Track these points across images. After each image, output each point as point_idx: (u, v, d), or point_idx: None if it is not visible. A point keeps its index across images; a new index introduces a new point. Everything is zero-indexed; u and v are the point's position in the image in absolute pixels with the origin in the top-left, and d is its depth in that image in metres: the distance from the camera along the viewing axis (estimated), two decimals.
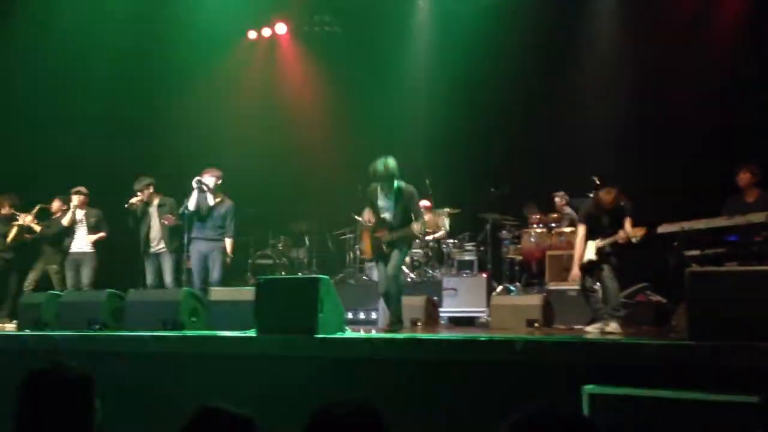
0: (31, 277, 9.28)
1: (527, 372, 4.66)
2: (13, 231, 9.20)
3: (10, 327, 8.44)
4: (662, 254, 7.51)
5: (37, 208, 9.35)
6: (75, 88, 10.87)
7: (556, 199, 9.67)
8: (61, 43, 10.69)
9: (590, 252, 6.54)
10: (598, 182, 6.64)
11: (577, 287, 8.02)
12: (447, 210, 10.15)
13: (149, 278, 8.68)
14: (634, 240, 6.30)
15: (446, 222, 10.15)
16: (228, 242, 8.46)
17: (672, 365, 4.36)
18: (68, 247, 9.08)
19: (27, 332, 6.87)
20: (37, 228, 9.28)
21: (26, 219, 9.24)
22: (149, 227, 8.70)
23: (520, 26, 10.67)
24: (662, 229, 7.29)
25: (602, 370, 4.38)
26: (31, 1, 10.82)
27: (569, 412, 1.54)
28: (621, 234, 6.34)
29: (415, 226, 6.53)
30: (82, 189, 9.14)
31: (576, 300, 8.01)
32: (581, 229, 6.70)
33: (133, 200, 8.71)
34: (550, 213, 9.62)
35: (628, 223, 6.38)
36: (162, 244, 8.66)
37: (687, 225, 7.21)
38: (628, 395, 4.04)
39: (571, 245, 8.98)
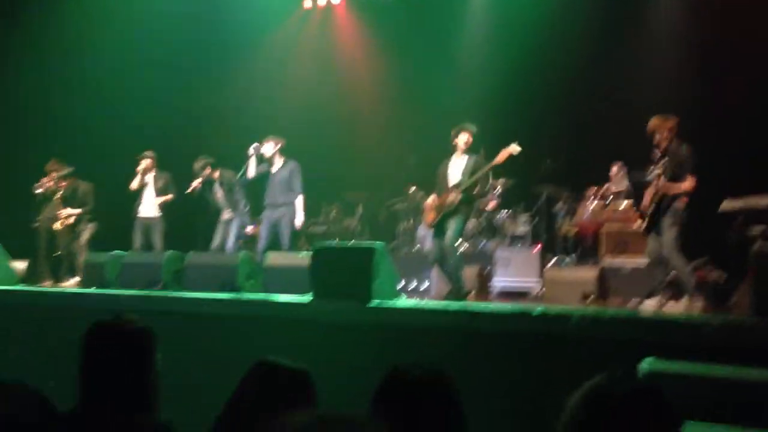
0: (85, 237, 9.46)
1: (582, 346, 4.63)
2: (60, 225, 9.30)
3: (72, 283, 8.73)
4: (721, 231, 7.33)
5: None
6: (138, 60, 11.06)
7: (614, 168, 9.47)
8: (127, 14, 10.86)
9: None
10: None
11: (633, 262, 7.96)
12: (502, 180, 10.06)
13: (216, 241, 8.86)
14: None
15: (497, 192, 10.07)
16: (299, 199, 8.44)
17: (734, 342, 4.28)
18: (135, 210, 9.20)
19: (92, 290, 7.09)
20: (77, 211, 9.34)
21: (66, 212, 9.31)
22: (216, 202, 8.94)
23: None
24: (725, 205, 7.11)
25: (660, 346, 4.33)
26: None
27: (644, 383, 1.53)
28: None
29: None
30: (149, 153, 9.25)
31: (632, 275, 7.91)
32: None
33: (194, 184, 8.91)
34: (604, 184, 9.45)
35: None
36: (231, 214, 8.87)
37: (751, 201, 7.02)
38: (687, 372, 3.98)
39: (627, 219, 8.90)
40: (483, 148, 9.77)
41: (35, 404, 2.25)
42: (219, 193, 8.98)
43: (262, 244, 8.23)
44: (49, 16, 10.82)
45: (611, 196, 9.23)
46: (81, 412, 2.41)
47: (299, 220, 8.42)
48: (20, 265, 8.31)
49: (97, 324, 2.56)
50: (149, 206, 9.19)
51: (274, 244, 8.25)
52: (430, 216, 7.31)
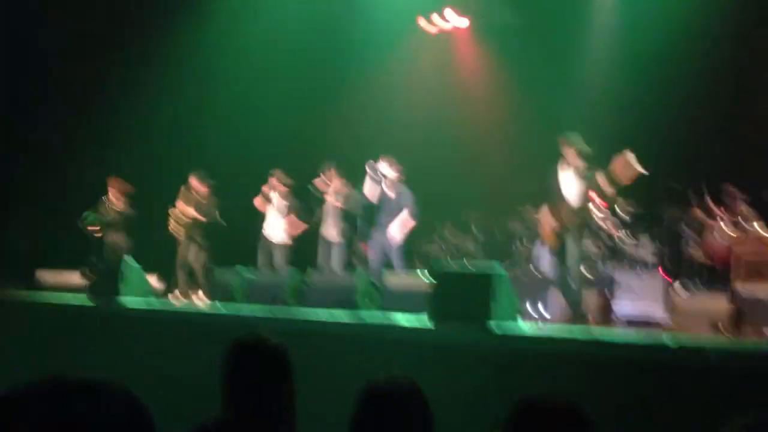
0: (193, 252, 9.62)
1: (719, 380, 4.39)
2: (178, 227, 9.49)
3: (201, 299, 9.11)
4: None
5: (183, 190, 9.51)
6: (262, 78, 11.50)
7: (730, 190, 8.98)
8: (253, 36, 11.32)
9: None
10: None
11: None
12: (623, 200, 9.73)
13: (320, 259, 8.90)
14: None
15: (617, 216, 9.75)
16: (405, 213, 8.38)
17: None
18: (261, 229, 9.36)
19: (218, 304, 7.39)
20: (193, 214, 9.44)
21: (185, 212, 9.47)
22: (326, 214, 9.00)
23: (711, 16, 9.98)
24: None
25: None
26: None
27: None
28: None
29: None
30: (276, 172, 9.29)
31: (766, 306, 7.45)
32: None
33: (317, 181, 8.89)
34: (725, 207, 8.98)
35: None
36: (333, 231, 8.92)
37: None
38: None
39: (760, 244, 8.40)
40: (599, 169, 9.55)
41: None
42: (330, 206, 8.95)
43: (376, 265, 8.26)
44: (185, 45, 11.42)
45: (740, 219, 8.75)
46: (228, 425, 2.51)
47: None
48: (153, 279, 8.77)
49: (239, 341, 2.67)
50: (274, 227, 9.30)
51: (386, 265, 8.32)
52: (549, 237, 7.12)
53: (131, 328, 7.20)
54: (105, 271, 7.91)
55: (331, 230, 8.93)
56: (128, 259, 7.98)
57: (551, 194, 7.05)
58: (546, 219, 7.09)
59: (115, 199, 9.68)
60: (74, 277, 9.36)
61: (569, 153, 6.91)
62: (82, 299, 7.95)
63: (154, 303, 7.51)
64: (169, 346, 6.65)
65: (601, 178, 6.79)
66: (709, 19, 10.06)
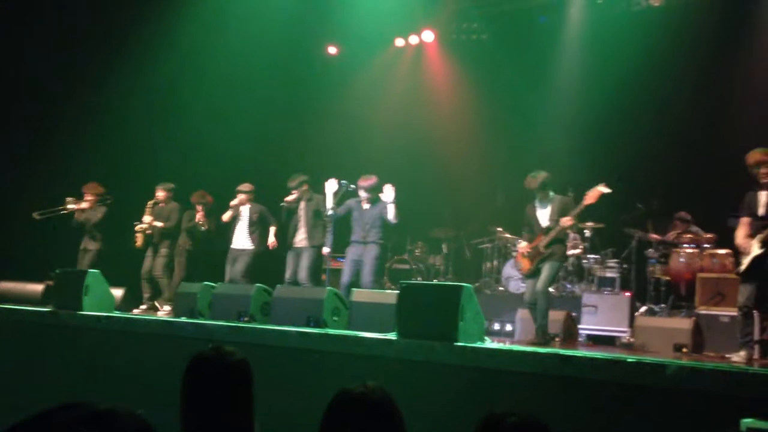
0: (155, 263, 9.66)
1: (678, 399, 4.44)
2: (139, 238, 9.59)
3: (164, 312, 9.03)
4: None
5: (149, 204, 9.64)
6: (232, 90, 11.47)
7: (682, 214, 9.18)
8: (225, 46, 11.29)
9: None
10: None
11: (730, 313, 7.62)
12: (590, 224, 9.86)
13: (288, 273, 8.84)
14: None
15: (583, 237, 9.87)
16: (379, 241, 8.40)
17: None
18: (228, 242, 9.35)
19: (183, 320, 7.31)
20: (159, 224, 9.58)
21: (146, 220, 9.59)
22: (297, 223, 8.94)
23: (676, 33, 10.23)
24: None
25: (763, 403, 4.11)
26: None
27: None
28: None
29: (564, 220, 6.90)
30: (245, 186, 9.32)
31: (729, 327, 7.57)
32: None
33: (289, 198, 8.88)
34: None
35: None
36: (306, 240, 8.86)
37: None
38: None
39: (725, 268, 8.54)
40: (570, 189, 9.69)
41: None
42: (302, 215, 8.93)
43: (346, 279, 8.27)
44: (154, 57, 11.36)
45: (706, 243, 8.90)
46: None
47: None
48: (118, 292, 8.66)
49: (199, 356, 2.64)
50: (241, 238, 9.34)
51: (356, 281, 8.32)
52: (524, 264, 7.33)
53: (93, 341, 7.09)
54: (68, 283, 7.78)
55: (301, 243, 8.91)
56: (92, 272, 7.87)
57: (526, 222, 7.36)
58: (523, 250, 7.35)
59: (89, 205, 9.66)
60: (36, 289, 9.20)
61: (540, 188, 7.23)
62: (43, 311, 7.81)
63: (117, 316, 7.40)
64: (131, 360, 6.56)
65: (574, 208, 7.11)
66: (673, 49, 10.30)
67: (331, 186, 8.44)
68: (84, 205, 9.66)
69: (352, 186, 8.49)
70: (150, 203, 9.61)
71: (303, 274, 8.71)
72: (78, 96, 10.87)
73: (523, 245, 7.42)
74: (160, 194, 9.68)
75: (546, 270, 6.98)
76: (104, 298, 7.82)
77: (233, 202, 9.28)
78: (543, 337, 6.94)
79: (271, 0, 11.33)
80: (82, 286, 7.57)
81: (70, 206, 9.64)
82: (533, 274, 7.17)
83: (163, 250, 9.54)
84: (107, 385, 6.26)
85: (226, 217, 9.33)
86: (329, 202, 8.44)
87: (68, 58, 10.85)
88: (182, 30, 11.08)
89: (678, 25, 10.36)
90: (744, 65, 10.11)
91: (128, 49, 10.72)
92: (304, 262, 8.76)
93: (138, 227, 9.61)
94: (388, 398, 2.32)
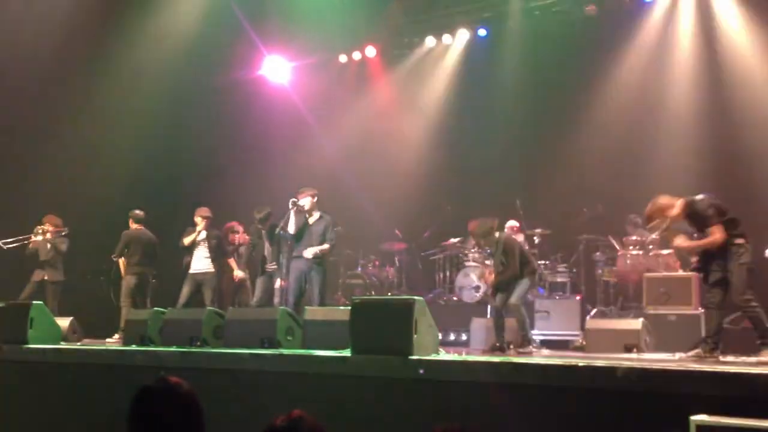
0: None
1: (630, 400, 4.52)
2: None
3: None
4: None
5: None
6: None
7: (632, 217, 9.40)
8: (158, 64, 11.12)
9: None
10: None
11: (677, 312, 7.82)
12: (539, 230, 10.00)
13: (257, 295, 8.90)
14: None
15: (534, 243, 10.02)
16: (324, 247, 8.42)
17: None
18: (186, 266, 9.30)
19: (134, 347, 7.15)
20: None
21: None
22: (265, 249, 8.98)
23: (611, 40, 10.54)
24: None
25: (711, 399, 4.21)
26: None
27: None
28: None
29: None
30: (205, 211, 9.32)
31: (676, 325, 7.76)
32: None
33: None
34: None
35: None
36: (275, 264, 8.85)
37: None
38: (740, 427, 3.86)
39: (669, 267, 8.76)
40: (517, 200, 9.84)
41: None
42: (267, 245, 8.96)
43: (292, 297, 8.23)
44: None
45: (651, 245, 9.10)
46: None
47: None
48: (63, 323, 8.42)
49: (145, 389, 2.58)
50: (201, 262, 9.27)
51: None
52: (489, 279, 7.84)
53: (39, 375, 6.88)
54: (12, 316, 7.55)
55: (269, 265, 8.90)
56: (36, 304, 7.65)
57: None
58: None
59: (49, 236, 9.57)
60: None
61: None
62: None
63: (65, 348, 7.20)
64: (78, 392, 6.38)
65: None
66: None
67: (290, 206, 8.42)
68: (49, 235, 9.58)
69: (299, 204, 8.45)
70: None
71: (277, 298, 8.71)
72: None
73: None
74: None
75: (519, 286, 7.38)
76: (50, 330, 7.61)
77: (197, 227, 9.28)
78: (528, 343, 7.31)
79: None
80: (26, 319, 7.36)
81: (38, 237, 9.51)
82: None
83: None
84: (53, 418, 6.08)
85: (187, 241, 9.29)
86: (291, 226, 8.43)
87: None
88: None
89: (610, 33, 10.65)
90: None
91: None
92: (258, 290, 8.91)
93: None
94: (316, 428, 2.29)
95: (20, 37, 10.45)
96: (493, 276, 7.77)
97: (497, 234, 7.67)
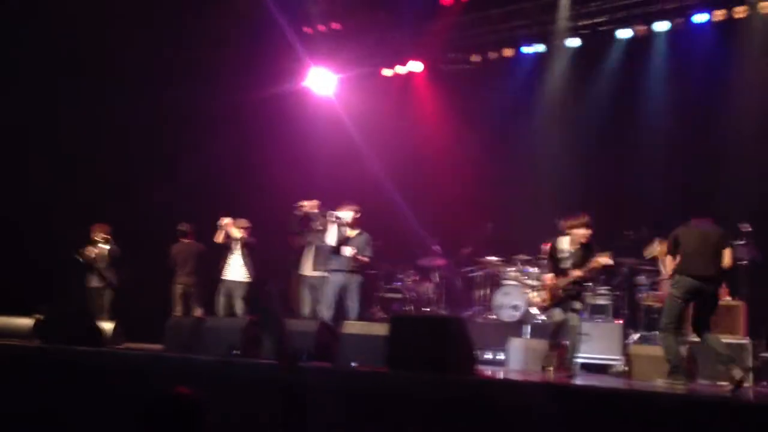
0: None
1: (676, 428, 4.41)
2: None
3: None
4: None
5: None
6: None
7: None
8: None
9: None
10: None
11: (724, 340, 7.62)
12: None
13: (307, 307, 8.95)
14: None
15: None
16: (363, 258, 8.47)
17: None
18: (220, 273, 9.39)
19: (171, 354, 7.22)
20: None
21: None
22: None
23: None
24: None
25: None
26: None
27: None
28: None
29: (600, 259, 7.07)
30: (243, 221, 9.42)
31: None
32: None
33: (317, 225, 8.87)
34: None
35: None
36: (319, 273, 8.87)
37: None
38: None
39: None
40: (557, 218, 9.72)
41: None
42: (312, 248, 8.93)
43: (331, 310, 8.25)
44: None
45: None
46: None
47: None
48: (108, 326, 8.56)
49: (154, 400, 2.63)
50: (236, 271, 9.33)
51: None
52: (546, 297, 7.48)
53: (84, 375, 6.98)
54: (57, 318, 7.71)
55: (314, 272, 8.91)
56: (81, 306, 7.81)
57: (554, 263, 7.42)
58: (548, 283, 7.48)
59: (101, 243, 9.80)
60: (25, 323, 9.05)
61: (578, 231, 7.28)
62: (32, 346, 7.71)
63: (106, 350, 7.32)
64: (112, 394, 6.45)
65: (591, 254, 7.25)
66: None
67: (331, 219, 8.46)
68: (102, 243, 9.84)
69: (341, 217, 8.50)
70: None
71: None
72: None
73: (549, 278, 7.57)
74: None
75: (575, 307, 7.26)
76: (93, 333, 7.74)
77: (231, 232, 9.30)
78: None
79: None
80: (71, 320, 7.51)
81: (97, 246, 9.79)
82: (558, 306, 7.31)
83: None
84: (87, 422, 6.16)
85: (220, 238, 9.38)
86: (332, 239, 8.51)
87: None
88: None
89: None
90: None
91: None
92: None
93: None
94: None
95: None
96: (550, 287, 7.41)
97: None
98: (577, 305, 7.26)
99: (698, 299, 6.69)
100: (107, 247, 9.81)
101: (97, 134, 10.97)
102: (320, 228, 8.68)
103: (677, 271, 6.72)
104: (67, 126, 10.82)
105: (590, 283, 7.54)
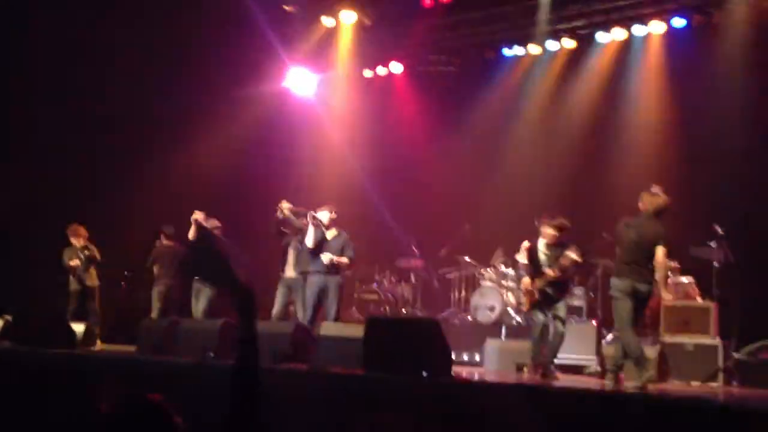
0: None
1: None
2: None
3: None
4: None
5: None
6: None
7: None
8: None
9: None
10: None
11: (695, 341, 7.72)
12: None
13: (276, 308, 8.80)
14: None
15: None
16: (344, 259, 8.41)
17: None
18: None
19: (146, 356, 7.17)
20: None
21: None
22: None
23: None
24: None
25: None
26: None
27: None
28: None
29: (568, 254, 7.08)
30: (214, 221, 9.22)
31: (693, 354, 7.65)
32: None
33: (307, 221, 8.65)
34: None
35: None
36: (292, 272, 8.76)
37: None
38: None
39: (688, 295, 8.65)
40: (536, 217, 9.76)
41: None
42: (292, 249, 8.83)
43: (309, 311, 8.22)
44: None
45: (670, 272, 8.98)
46: None
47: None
48: (79, 328, 8.48)
49: (122, 406, 2.57)
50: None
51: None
52: (525, 301, 7.52)
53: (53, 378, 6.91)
54: (28, 320, 7.62)
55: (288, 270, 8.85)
56: (52, 307, 7.73)
57: (534, 265, 7.41)
58: (527, 286, 7.46)
59: (78, 244, 9.65)
60: None
61: (546, 230, 7.32)
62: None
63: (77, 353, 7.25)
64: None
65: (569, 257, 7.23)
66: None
67: (309, 221, 8.43)
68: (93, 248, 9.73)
69: (318, 218, 8.47)
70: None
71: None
72: None
73: (527, 282, 7.57)
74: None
75: (560, 308, 7.29)
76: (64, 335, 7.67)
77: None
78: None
79: None
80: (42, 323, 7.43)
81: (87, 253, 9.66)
82: (538, 308, 7.32)
83: None
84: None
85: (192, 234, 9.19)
86: (310, 240, 8.45)
87: None
88: None
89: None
90: None
91: None
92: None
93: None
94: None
95: None
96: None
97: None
98: (562, 312, 7.24)
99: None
100: (87, 252, 9.67)
101: (75, 131, 10.84)
102: (299, 229, 8.63)
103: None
104: (45, 122, 10.71)
105: (568, 285, 7.48)
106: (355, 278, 11.10)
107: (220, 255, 8.72)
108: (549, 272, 7.17)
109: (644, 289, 6.48)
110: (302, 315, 8.34)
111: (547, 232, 7.24)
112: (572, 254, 7.08)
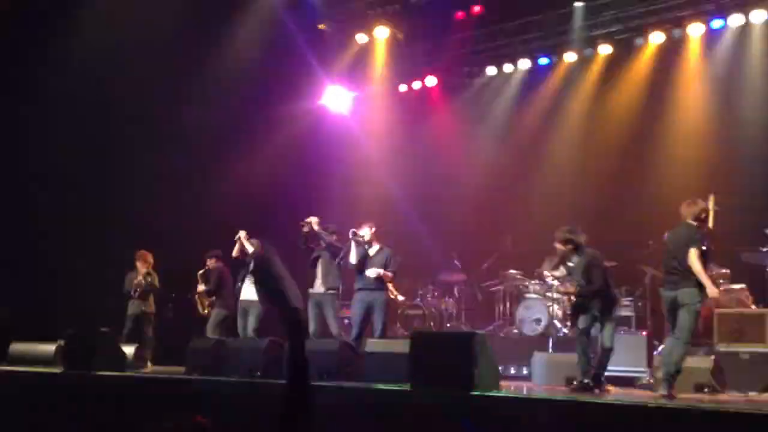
0: None
1: None
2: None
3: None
4: None
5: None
6: None
7: None
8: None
9: None
10: None
11: (750, 350, 7.49)
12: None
13: (313, 326, 8.64)
14: None
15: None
16: (389, 273, 8.39)
17: None
18: (237, 293, 9.22)
19: (195, 377, 7.22)
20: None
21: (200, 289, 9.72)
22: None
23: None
24: None
25: None
26: None
27: None
28: None
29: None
30: (255, 241, 9.26)
31: (750, 364, 7.43)
32: None
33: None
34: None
35: None
36: (321, 287, 8.68)
37: None
38: None
39: (741, 303, 8.40)
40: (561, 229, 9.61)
41: None
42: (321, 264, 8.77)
43: (355, 329, 8.20)
44: None
45: (721, 280, 8.75)
46: None
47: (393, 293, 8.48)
48: (129, 350, 8.59)
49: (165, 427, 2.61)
50: (250, 290, 9.17)
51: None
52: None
53: (104, 399, 7.00)
54: (80, 343, 7.75)
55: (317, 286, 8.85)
56: (104, 331, 7.84)
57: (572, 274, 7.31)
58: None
59: (143, 270, 9.75)
60: (48, 349, 9.10)
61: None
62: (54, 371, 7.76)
63: (128, 375, 7.33)
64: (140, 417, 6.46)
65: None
66: None
67: (350, 237, 8.45)
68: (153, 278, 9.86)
69: (360, 235, 8.49)
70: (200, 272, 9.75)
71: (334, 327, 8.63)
72: None
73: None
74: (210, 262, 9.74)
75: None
76: (115, 356, 7.77)
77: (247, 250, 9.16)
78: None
79: None
80: (93, 345, 7.54)
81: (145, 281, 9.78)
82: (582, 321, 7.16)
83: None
84: None
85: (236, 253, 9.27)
86: (353, 257, 8.44)
87: None
88: None
89: None
90: None
91: None
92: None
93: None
94: None
95: None
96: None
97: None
98: (608, 325, 7.01)
99: None
100: (149, 279, 9.76)
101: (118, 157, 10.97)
102: (329, 244, 8.64)
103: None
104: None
105: (608, 296, 7.26)
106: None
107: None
108: (568, 287, 7.13)
109: (679, 296, 6.39)
110: (336, 330, 8.36)
111: (558, 246, 7.15)
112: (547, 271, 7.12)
